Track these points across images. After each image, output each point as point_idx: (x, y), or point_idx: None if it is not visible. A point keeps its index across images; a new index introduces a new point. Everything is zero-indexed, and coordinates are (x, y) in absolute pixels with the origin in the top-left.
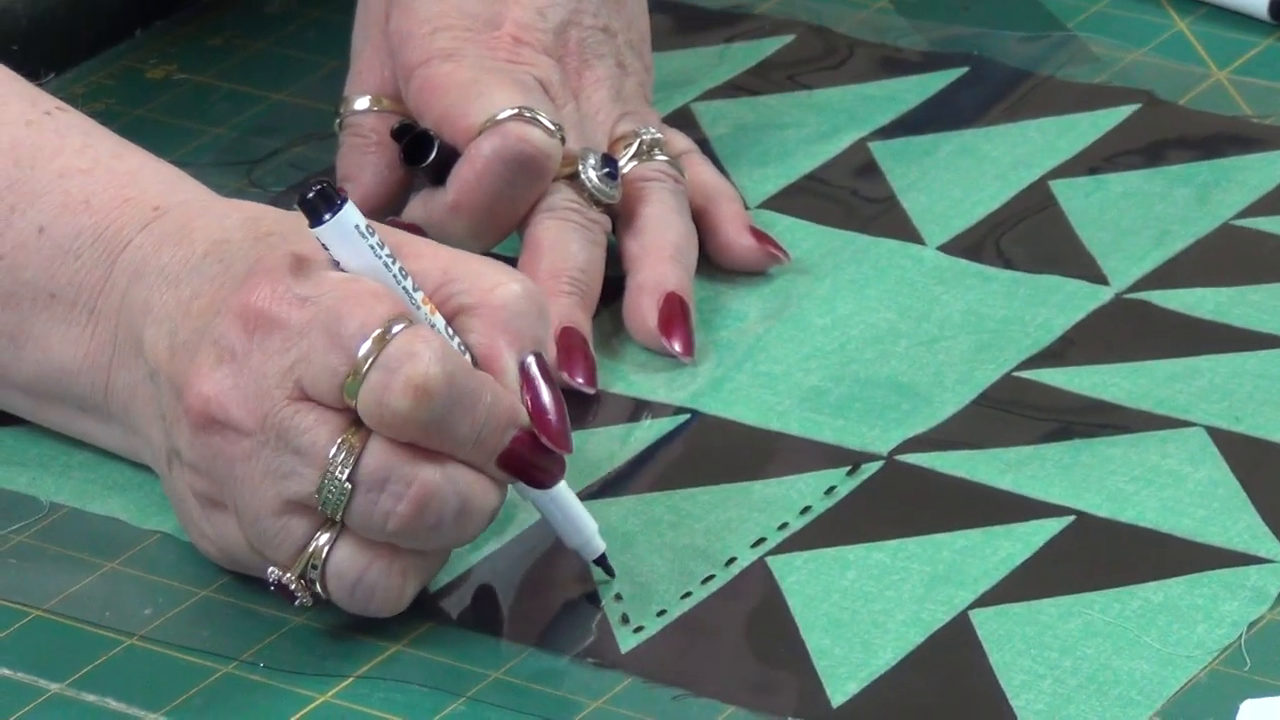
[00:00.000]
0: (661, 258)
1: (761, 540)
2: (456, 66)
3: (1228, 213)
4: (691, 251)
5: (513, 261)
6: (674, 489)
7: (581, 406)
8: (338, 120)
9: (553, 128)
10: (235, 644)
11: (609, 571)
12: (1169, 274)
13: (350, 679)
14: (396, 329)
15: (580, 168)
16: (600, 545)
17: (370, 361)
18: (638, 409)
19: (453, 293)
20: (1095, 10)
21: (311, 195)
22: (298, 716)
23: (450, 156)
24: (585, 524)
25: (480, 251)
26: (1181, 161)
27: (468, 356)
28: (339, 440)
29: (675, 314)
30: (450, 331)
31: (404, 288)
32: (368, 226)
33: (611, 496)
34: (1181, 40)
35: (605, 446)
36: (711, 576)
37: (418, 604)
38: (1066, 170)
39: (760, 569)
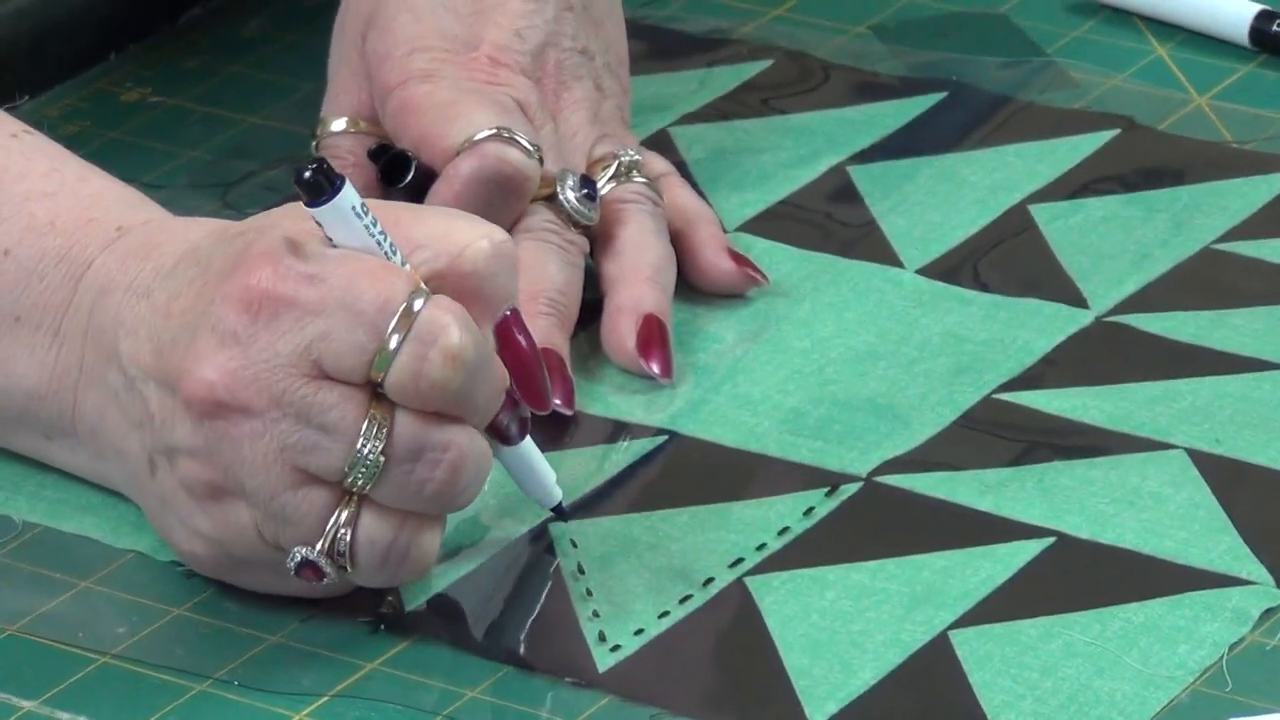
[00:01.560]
0: (639, 279)
1: (739, 561)
2: (434, 87)
3: (1208, 237)
4: (670, 273)
5: None
6: (652, 510)
7: (559, 428)
8: (314, 142)
9: (531, 148)
10: (209, 662)
11: (563, 516)
12: (1149, 297)
13: (325, 697)
14: (418, 303)
15: (558, 189)
16: (558, 494)
17: (402, 336)
18: (616, 430)
19: (422, 260)
20: (1074, 36)
21: (309, 175)
22: None
23: (428, 177)
24: (545, 474)
25: None
26: (1161, 186)
27: None
28: (367, 416)
29: (653, 335)
30: None
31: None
32: (363, 206)
33: (589, 517)
34: (1161, 66)
35: (583, 467)
36: (689, 596)
37: (394, 623)
38: (1046, 195)
39: (738, 589)
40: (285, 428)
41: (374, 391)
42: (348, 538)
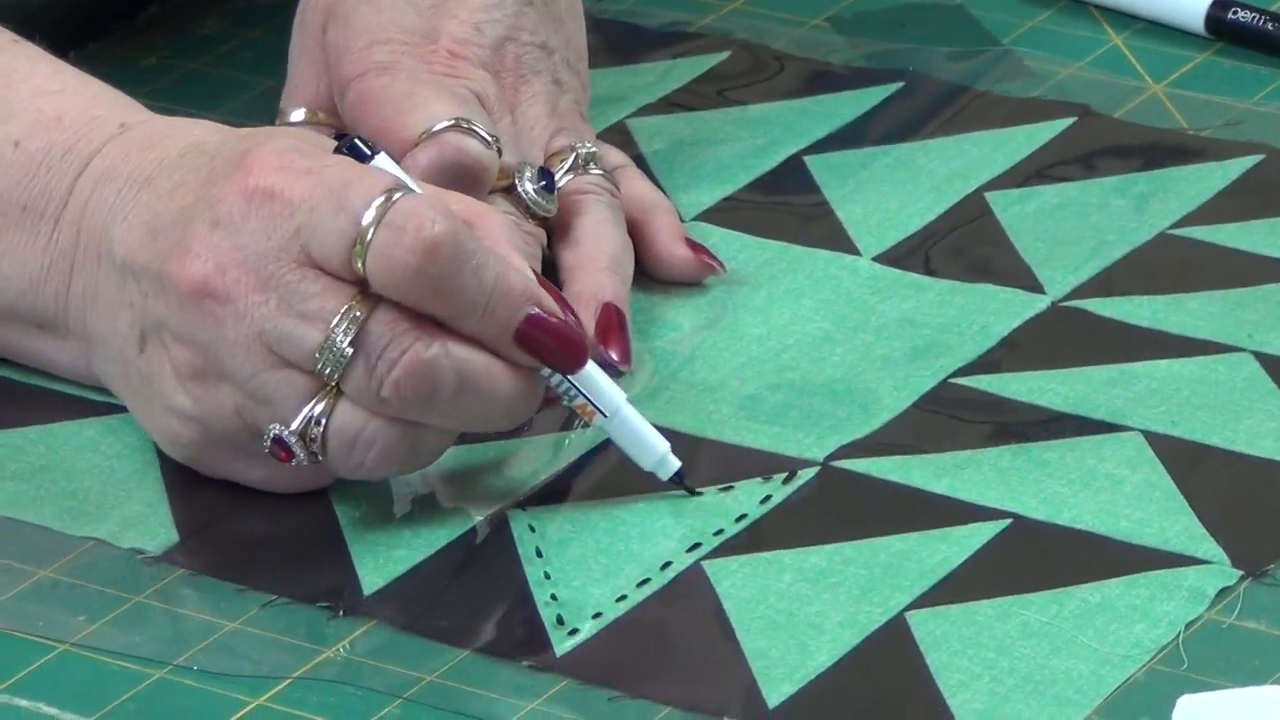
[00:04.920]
0: (598, 268)
1: (697, 545)
2: (392, 79)
3: (1164, 222)
4: (628, 262)
5: None
6: (609, 497)
7: None
8: None
9: (489, 139)
10: (168, 649)
11: (689, 490)
12: (1105, 282)
13: (285, 682)
14: (399, 194)
15: (516, 180)
16: (674, 463)
17: (378, 222)
18: (574, 418)
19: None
20: (1031, 25)
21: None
22: None
23: None
24: (656, 444)
25: None
26: (1118, 173)
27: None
28: (344, 308)
29: (612, 324)
30: None
31: None
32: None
33: (546, 504)
34: (1117, 54)
35: (541, 455)
36: (647, 580)
37: (352, 607)
38: (1002, 182)
39: (696, 573)
40: (265, 312)
41: (362, 290)
42: (322, 423)
